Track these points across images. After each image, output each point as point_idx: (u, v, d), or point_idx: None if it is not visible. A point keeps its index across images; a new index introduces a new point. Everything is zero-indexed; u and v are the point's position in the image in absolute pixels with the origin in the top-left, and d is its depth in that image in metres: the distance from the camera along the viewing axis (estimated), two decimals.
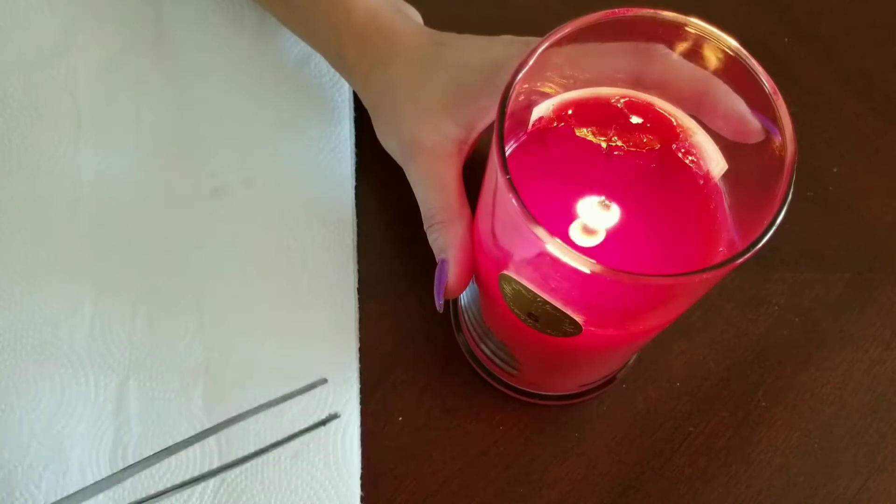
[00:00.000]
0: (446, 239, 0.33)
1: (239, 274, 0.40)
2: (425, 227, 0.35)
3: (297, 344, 0.39)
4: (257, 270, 0.40)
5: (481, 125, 0.36)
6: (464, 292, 0.38)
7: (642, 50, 0.28)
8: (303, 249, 0.41)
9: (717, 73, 0.27)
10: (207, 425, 0.37)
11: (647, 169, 0.30)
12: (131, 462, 0.37)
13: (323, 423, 0.37)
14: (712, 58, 0.27)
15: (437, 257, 0.34)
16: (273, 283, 0.40)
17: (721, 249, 0.29)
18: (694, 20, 0.27)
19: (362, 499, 0.37)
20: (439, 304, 0.34)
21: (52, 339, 0.38)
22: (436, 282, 0.34)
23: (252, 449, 0.37)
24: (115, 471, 0.36)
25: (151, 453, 0.37)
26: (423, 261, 0.41)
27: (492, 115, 0.35)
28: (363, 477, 0.37)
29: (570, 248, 0.24)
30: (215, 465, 0.37)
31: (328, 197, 0.42)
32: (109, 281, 0.40)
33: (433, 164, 0.35)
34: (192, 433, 0.37)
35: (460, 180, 0.35)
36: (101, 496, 0.36)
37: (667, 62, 0.28)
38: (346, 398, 0.38)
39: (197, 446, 0.37)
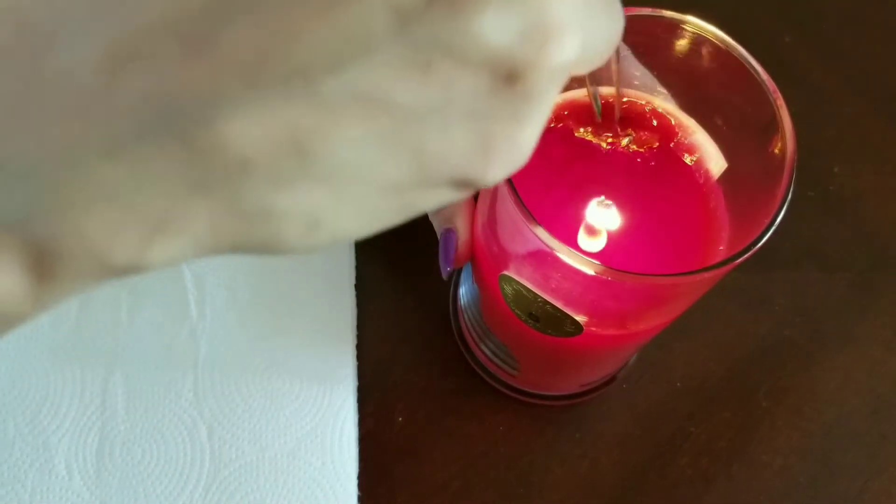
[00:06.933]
0: (452, 209, 0.34)
1: (232, 265, 0.40)
2: None
3: (292, 339, 0.39)
4: (251, 263, 0.40)
5: None
6: (464, 292, 0.38)
7: None
8: None
9: (716, 72, 0.27)
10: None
11: (647, 168, 0.30)
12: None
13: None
14: (712, 57, 0.27)
15: (442, 227, 0.34)
16: (268, 276, 0.40)
17: (721, 249, 0.28)
18: (694, 20, 0.27)
19: (360, 499, 0.36)
20: (447, 272, 0.34)
21: (36, 330, 0.38)
22: (442, 251, 0.34)
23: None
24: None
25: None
26: (423, 261, 0.41)
27: None
28: (362, 477, 0.37)
29: (570, 248, 0.24)
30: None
31: None
32: None
33: None
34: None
35: None
36: (86, 495, 0.36)
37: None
38: (342, 396, 0.38)
39: (188, 443, 0.37)
